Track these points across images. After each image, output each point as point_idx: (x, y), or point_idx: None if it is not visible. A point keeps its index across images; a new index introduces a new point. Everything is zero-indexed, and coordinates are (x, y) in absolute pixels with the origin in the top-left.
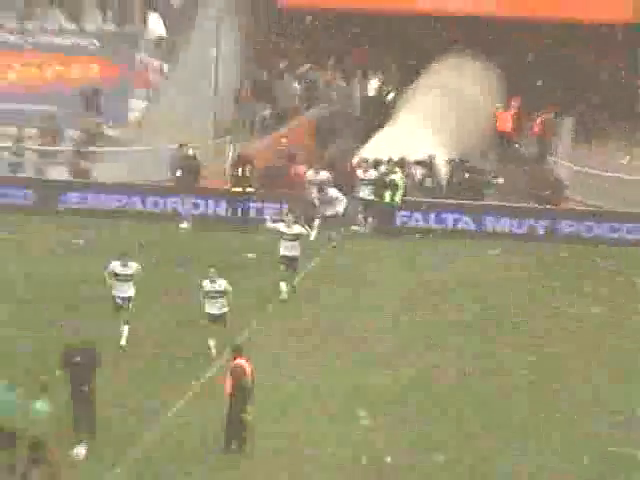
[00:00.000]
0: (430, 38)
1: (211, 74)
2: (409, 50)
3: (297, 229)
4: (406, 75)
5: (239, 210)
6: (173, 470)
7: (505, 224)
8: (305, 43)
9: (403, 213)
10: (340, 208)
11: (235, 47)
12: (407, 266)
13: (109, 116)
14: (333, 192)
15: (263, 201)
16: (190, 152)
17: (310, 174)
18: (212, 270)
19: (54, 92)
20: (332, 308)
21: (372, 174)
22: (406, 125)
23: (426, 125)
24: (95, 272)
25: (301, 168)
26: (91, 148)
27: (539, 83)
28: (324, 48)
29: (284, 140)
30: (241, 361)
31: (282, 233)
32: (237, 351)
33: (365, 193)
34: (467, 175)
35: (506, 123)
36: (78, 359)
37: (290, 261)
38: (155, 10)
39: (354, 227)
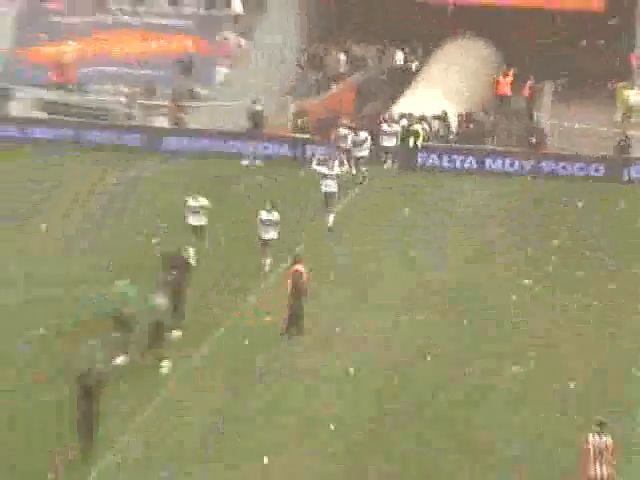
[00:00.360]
0: (444, 22)
1: (278, 47)
2: (429, 31)
3: (336, 170)
4: (425, 51)
5: (298, 151)
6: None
7: (500, 164)
8: (349, 23)
9: (422, 155)
10: (366, 152)
11: (296, 25)
12: (427, 194)
13: (200, 79)
14: (363, 135)
15: (315, 145)
16: (258, 107)
17: (384, 126)
18: (269, 203)
19: (158, 60)
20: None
21: (395, 127)
22: (425, 88)
23: (441, 88)
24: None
25: (344, 121)
26: (186, 103)
27: (527, 57)
28: (364, 27)
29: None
30: (299, 266)
31: (324, 174)
32: (297, 258)
33: (390, 142)
34: (472, 126)
35: (504, 87)
36: (174, 263)
37: (329, 196)
38: None
39: (385, 166)
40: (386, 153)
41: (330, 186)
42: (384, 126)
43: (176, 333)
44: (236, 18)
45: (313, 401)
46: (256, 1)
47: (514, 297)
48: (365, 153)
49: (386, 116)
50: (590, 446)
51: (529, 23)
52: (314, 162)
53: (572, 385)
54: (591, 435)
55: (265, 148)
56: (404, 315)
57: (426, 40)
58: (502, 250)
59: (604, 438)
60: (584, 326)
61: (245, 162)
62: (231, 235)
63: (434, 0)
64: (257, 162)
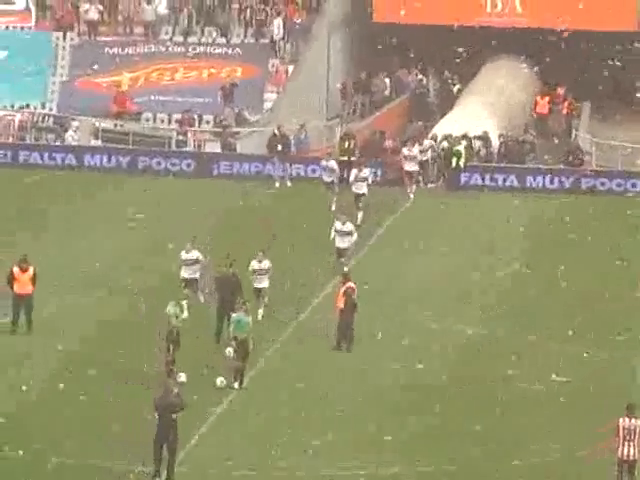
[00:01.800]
0: (485, 44)
1: (324, 73)
2: (471, 53)
3: (366, 172)
4: (467, 73)
5: (344, 173)
6: None
7: (540, 181)
8: (393, 48)
9: (465, 174)
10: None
11: (342, 52)
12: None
13: (248, 105)
14: (366, 172)
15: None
16: (302, 136)
17: (405, 150)
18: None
19: (208, 88)
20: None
21: (415, 151)
22: (467, 109)
23: (482, 109)
24: None
25: (390, 142)
26: (236, 129)
27: (566, 76)
28: (408, 52)
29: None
30: (351, 284)
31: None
32: (346, 276)
33: (410, 166)
34: (512, 145)
35: (543, 107)
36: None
37: (342, 251)
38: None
39: (430, 185)
40: (409, 177)
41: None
42: (404, 150)
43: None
44: (279, 45)
45: None
46: (302, 29)
47: None
48: (365, 190)
49: (406, 139)
50: (620, 428)
51: (567, 43)
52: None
53: None
54: (622, 418)
55: (313, 171)
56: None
57: (467, 62)
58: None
59: (633, 420)
60: None
61: (277, 184)
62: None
63: (475, 22)
64: (288, 183)
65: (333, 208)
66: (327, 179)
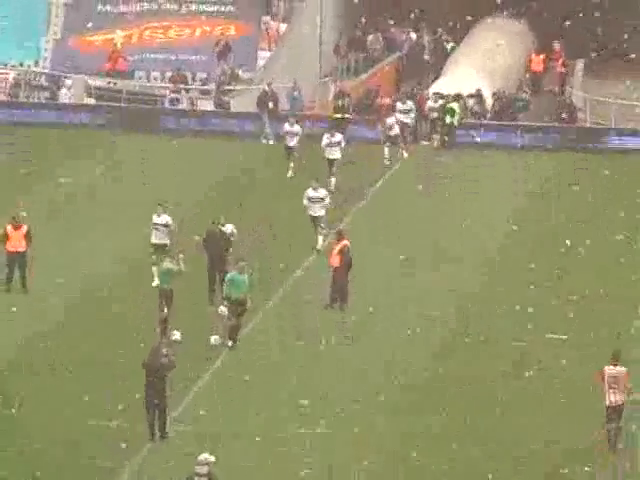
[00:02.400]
0: (479, 2)
1: (317, 31)
2: (463, 11)
3: (338, 137)
4: (460, 31)
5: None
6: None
7: (533, 139)
8: (385, 5)
9: (459, 132)
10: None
11: (334, 9)
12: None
13: (242, 63)
14: (339, 137)
15: (357, 124)
16: (295, 93)
17: (398, 104)
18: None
19: (201, 45)
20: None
21: (409, 104)
22: (460, 68)
23: (476, 67)
24: None
25: (385, 100)
26: (229, 87)
27: (559, 34)
28: (400, 8)
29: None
30: (346, 241)
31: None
32: (340, 234)
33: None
34: (505, 103)
35: (538, 65)
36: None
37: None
38: None
39: (423, 142)
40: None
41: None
42: (398, 104)
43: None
44: (272, 2)
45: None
46: None
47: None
48: (338, 155)
49: (400, 95)
50: (606, 375)
51: (560, 1)
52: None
53: None
54: (606, 367)
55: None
56: None
57: (461, 20)
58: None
59: (618, 368)
60: None
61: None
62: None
63: None
64: (271, 142)
65: (290, 174)
66: (290, 143)
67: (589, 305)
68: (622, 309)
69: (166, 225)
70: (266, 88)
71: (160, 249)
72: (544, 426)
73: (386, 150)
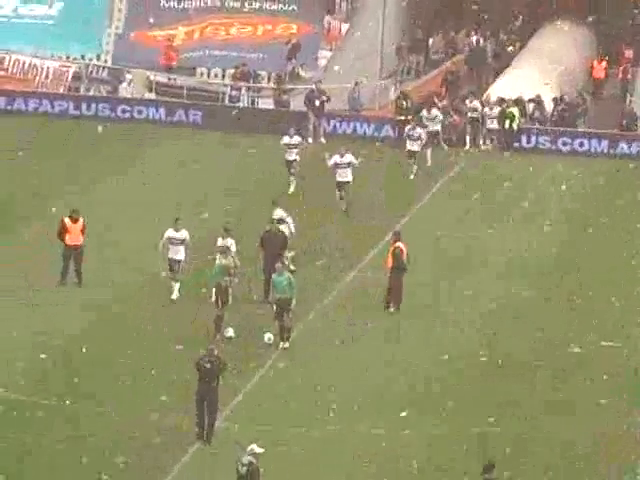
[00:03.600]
0: (541, 6)
1: (379, 31)
2: (526, 15)
3: (348, 158)
4: (523, 35)
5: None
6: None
7: (594, 145)
8: (448, 8)
9: (518, 136)
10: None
11: (397, 11)
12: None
13: (303, 62)
14: (348, 157)
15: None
16: (355, 94)
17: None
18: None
19: (263, 44)
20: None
21: (434, 112)
22: (521, 72)
23: (536, 72)
24: None
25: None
26: (290, 85)
27: (623, 41)
28: (464, 12)
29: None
30: (400, 244)
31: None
32: (397, 236)
33: (434, 126)
34: (566, 109)
35: (599, 72)
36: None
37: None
38: None
39: (483, 146)
40: (434, 137)
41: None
42: (424, 112)
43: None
44: (334, 2)
45: None
46: None
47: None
48: (350, 178)
49: (430, 103)
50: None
51: (624, 7)
52: (326, 159)
53: None
54: None
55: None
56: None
57: (523, 25)
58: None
59: None
60: None
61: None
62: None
63: None
64: (322, 140)
65: (291, 190)
66: (289, 157)
67: None
68: None
69: (183, 241)
70: (313, 87)
71: (176, 264)
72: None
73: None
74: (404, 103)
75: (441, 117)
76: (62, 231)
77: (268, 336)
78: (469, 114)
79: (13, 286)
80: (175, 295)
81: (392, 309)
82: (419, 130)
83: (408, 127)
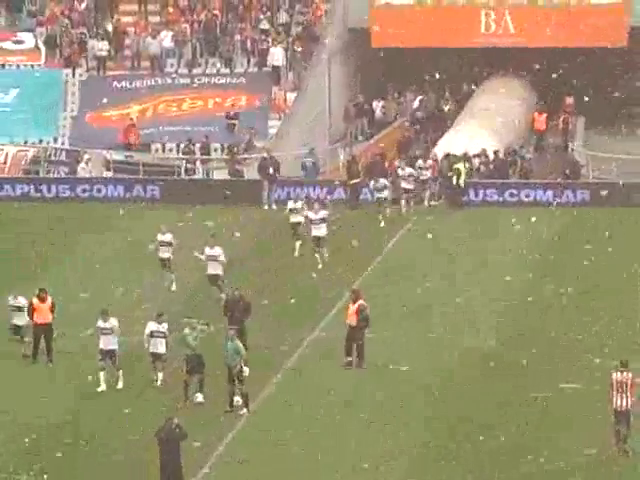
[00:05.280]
0: (480, 63)
1: (325, 99)
2: (464, 72)
3: (322, 214)
4: (463, 92)
5: (354, 195)
6: None
7: (540, 195)
8: (390, 71)
9: (465, 191)
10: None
11: (342, 77)
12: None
13: (253, 132)
14: (322, 213)
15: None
16: (308, 161)
17: (399, 170)
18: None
19: (214, 117)
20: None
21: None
22: (465, 128)
23: (480, 127)
24: None
25: (392, 162)
26: (243, 156)
27: (560, 93)
28: (405, 74)
29: (381, 145)
30: (362, 301)
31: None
32: (357, 294)
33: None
34: (509, 161)
35: (541, 124)
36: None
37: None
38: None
39: (432, 202)
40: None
41: (318, 230)
42: (399, 170)
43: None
44: (279, 72)
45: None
46: (301, 57)
47: None
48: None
49: (401, 162)
50: (614, 382)
51: (560, 61)
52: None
53: None
54: (614, 372)
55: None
56: None
57: (463, 82)
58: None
59: (625, 374)
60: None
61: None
62: None
63: (470, 44)
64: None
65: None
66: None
67: None
68: None
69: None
70: (265, 155)
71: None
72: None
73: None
74: (355, 167)
75: (388, 185)
76: (30, 310)
77: (236, 399)
78: (402, 184)
79: None
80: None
81: (356, 364)
82: (323, 212)
83: (310, 213)
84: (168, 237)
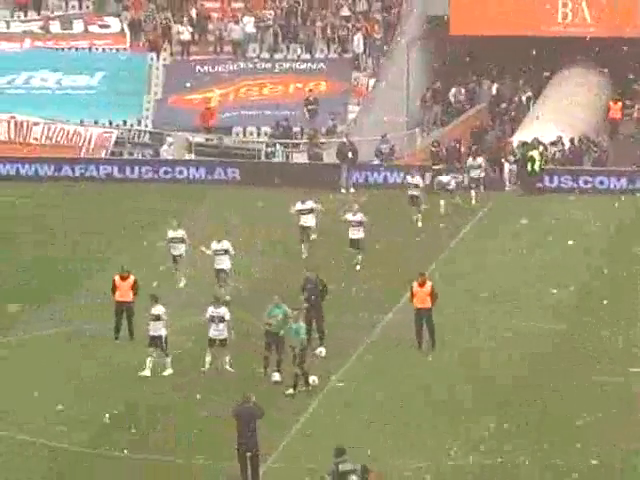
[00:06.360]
0: (558, 52)
1: (404, 85)
2: (543, 61)
3: (309, 204)
4: (541, 81)
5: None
6: None
7: (614, 183)
8: (467, 59)
9: (541, 178)
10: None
11: (421, 64)
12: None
13: (333, 117)
14: (357, 212)
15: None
16: (384, 146)
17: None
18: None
19: (294, 102)
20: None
21: (479, 160)
22: (542, 116)
23: (556, 117)
24: None
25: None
26: (322, 140)
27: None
28: (482, 63)
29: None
30: (430, 283)
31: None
32: (425, 277)
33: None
34: (585, 149)
35: (615, 112)
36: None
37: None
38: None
39: (507, 188)
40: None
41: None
42: (469, 160)
43: (320, 349)
44: (358, 58)
45: None
46: (381, 44)
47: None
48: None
49: (473, 149)
50: None
51: (635, 50)
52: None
53: None
54: None
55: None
56: None
57: (540, 70)
58: None
59: None
60: None
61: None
62: None
63: (547, 32)
64: (351, 189)
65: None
66: (411, 192)
67: None
68: None
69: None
70: (344, 140)
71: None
72: None
73: (442, 202)
74: (438, 151)
75: (484, 164)
76: (112, 288)
77: (313, 378)
78: (409, 191)
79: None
80: None
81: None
82: (359, 215)
83: (349, 214)
84: (180, 233)
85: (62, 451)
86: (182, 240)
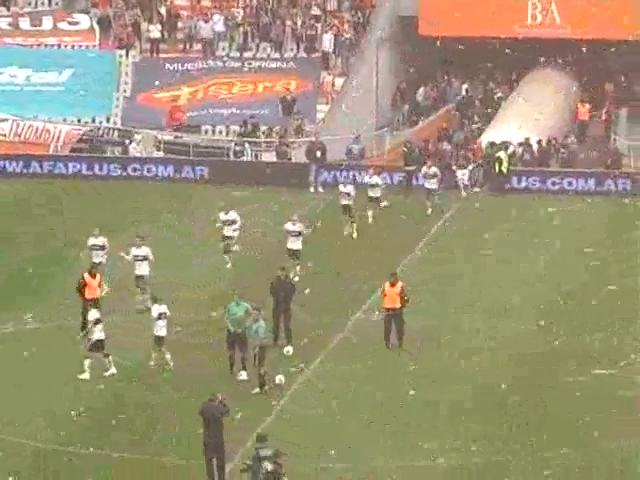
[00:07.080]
0: (526, 54)
1: (373, 85)
2: (511, 63)
3: (299, 227)
4: (509, 82)
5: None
6: None
7: (582, 184)
8: (436, 59)
9: (508, 179)
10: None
11: (389, 64)
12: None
13: (303, 117)
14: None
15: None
16: (355, 146)
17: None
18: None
19: (264, 101)
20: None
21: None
22: (510, 117)
23: (525, 117)
24: None
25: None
26: (292, 139)
27: (603, 84)
28: (451, 62)
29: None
30: (401, 283)
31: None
32: (396, 277)
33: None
34: (552, 151)
35: (584, 114)
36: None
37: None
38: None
39: (475, 189)
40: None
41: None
42: (424, 168)
43: (287, 348)
44: (328, 57)
45: None
46: (351, 43)
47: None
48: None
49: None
50: None
51: (604, 52)
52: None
53: None
54: None
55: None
56: None
57: (509, 72)
58: None
59: None
60: None
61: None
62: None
63: (516, 34)
64: (320, 189)
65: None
66: (344, 201)
67: None
68: None
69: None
70: (313, 139)
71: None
72: None
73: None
74: (411, 152)
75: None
76: (81, 286)
77: (279, 377)
78: (342, 201)
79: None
80: None
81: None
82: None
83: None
84: (101, 240)
85: (50, 451)
86: (102, 247)
